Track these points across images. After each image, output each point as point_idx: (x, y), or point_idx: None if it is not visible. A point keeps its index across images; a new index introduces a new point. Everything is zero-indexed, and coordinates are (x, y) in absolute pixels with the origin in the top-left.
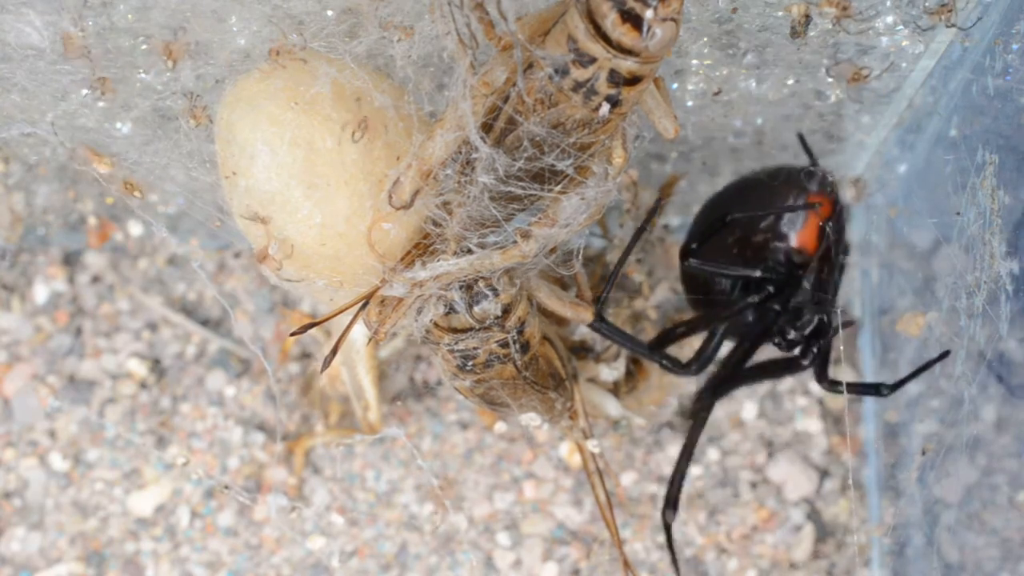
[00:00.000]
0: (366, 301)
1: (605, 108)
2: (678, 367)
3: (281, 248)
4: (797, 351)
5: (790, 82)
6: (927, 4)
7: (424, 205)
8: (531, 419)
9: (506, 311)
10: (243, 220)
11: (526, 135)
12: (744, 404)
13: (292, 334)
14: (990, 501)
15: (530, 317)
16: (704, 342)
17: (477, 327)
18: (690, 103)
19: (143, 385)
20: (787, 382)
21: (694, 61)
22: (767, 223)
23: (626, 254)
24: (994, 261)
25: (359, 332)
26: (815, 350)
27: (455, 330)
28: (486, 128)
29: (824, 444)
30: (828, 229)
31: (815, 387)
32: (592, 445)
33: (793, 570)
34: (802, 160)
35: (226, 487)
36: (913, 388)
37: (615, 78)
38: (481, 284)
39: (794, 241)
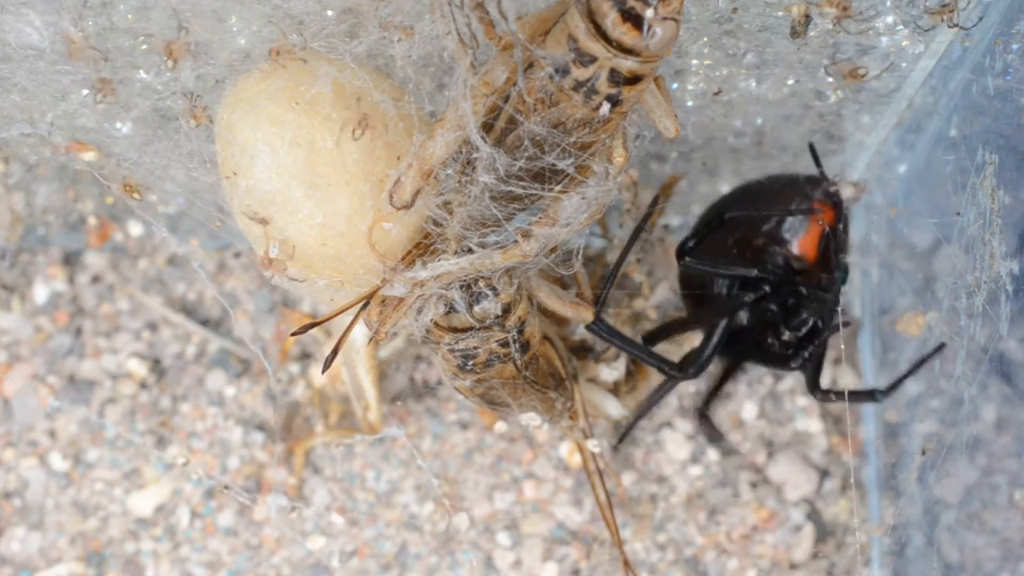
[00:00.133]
0: (367, 301)
1: (606, 107)
2: (675, 370)
3: (282, 249)
4: (789, 352)
5: (790, 82)
6: (927, 4)
7: (425, 205)
8: (531, 419)
9: (506, 310)
10: (244, 220)
11: (527, 134)
12: (744, 404)
13: (292, 334)
14: (990, 501)
15: (530, 317)
16: (700, 345)
17: (477, 326)
18: (690, 103)
19: (143, 385)
20: (787, 382)
21: (694, 61)
22: (768, 227)
23: (625, 253)
24: (994, 261)
25: (359, 332)
26: (805, 355)
27: (455, 329)
28: (487, 128)
29: (824, 444)
30: (828, 237)
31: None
32: (592, 445)
33: (793, 570)
34: (803, 163)
35: (226, 487)
36: (913, 388)
37: (616, 77)
38: (481, 283)
39: (794, 247)
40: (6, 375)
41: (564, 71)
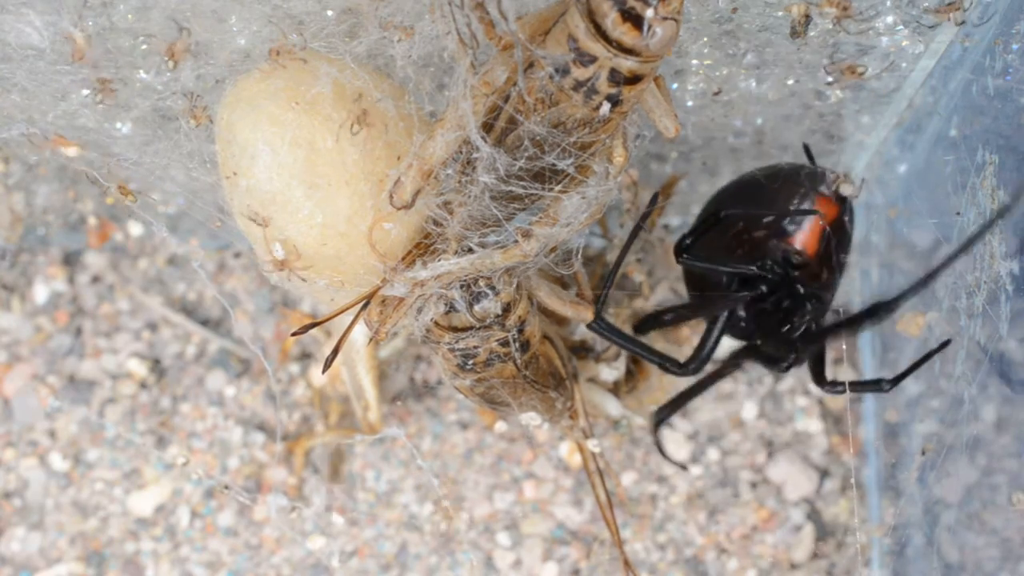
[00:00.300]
0: (367, 301)
1: (606, 107)
2: (676, 367)
3: (284, 248)
4: (781, 353)
5: (790, 82)
6: (928, 3)
7: (425, 205)
8: (531, 419)
9: (506, 310)
10: (244, 220)
11: (527, 134)
12: (744, 404)
13: (293, 334)
14: (990, 501)
15: (530, 316)
16: (701, 341)
17: (477, 326)
18: (690, 103)
19: (143, 385)
20: (787, 382)
21: (694, 61)
22: (769, 219)
23: (624, 252)
24: (994, 261)
25: (359, 332)
26: (795, 355)
27: (455, 329)
28: (487, 128)
29: (824, 444)
30: (830, 233)
31: (815, 387)
32: (592, 445)
33: (793, 570)
34: (803, 162)
35: (226, 487)
36: (913, 388)
37: (616, 77)
38: (481, 283)
39: (795, 241)
40: (6, 375)
41: (564, 71)
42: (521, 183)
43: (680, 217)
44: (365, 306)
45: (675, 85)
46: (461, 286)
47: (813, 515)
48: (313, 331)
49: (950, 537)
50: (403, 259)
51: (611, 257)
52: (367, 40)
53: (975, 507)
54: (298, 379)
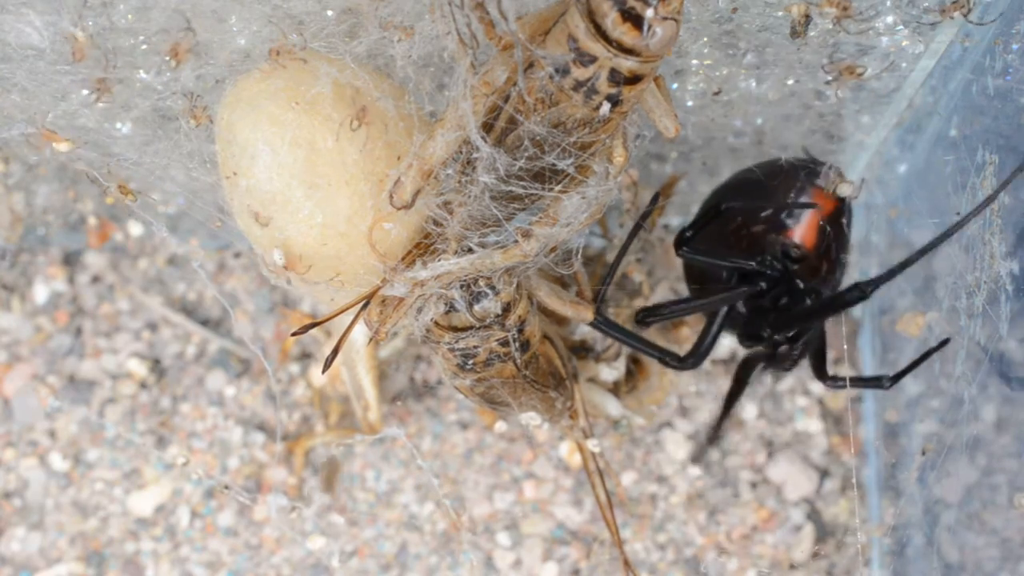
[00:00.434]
0: (367, 301)
1: (606, 107)
2: (675, 360)
3: (285, 255)
4: (776, 352)
5: (790, 82)
6: (929, 3)
7: (425, 205)
8: (531, 418)
9: (506, 310)
10: (244, 220)
11: (527, 134)
12: (744, 404)
13: (293, 334)
14: (990, 501)
15: (530, 316)
16: (700, 335)
17: (477, 326)
18: (690, 103)
19: (143, 385)
20: (787, 382)
21: (694, 61)
22: (768, 213)
23: (623, 251)
24: (994, 261)
25: (359, 332)
26: (795, 354)
27: (455, 329)
28: (487, 128)
29: (824, 444)
30: (828, 227)
31: (815, 387)
32: (592, 445)
33: (793, 570)
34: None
35: (226, 487)
36: (913, 388)
37: (616, 77)
38: (481, 283)
39: (794, 235)
40: (6, 375)
41: (564, 71)
42: (521, 183)
43: (680, 217)
44: (365, 306)
45: (675, 85)
46: (461, 286)
47: (813, 515)
48: (313, 331)
49: (950, 537)
50: (403, 259)
51: (611, 257)
52: (367, 40)
53: (975, 507)
54: (298, 379)
